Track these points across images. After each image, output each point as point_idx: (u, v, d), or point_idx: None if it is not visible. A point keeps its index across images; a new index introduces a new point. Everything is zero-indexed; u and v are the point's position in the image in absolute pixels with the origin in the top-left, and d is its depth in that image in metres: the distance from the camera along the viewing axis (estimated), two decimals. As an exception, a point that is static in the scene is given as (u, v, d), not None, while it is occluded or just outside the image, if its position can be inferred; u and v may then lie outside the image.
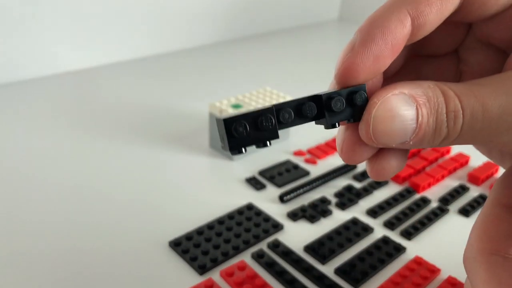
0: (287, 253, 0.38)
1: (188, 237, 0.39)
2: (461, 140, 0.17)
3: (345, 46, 0.18)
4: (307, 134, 0.58)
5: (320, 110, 0.18)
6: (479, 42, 0.20)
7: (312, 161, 0.52)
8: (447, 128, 0.17)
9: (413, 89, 0.17)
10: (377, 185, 0.48)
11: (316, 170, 0.51)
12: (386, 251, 0.38)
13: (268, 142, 0.17)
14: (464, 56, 0.21)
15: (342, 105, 0.18)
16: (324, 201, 0.45)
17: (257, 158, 0.52)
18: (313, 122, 0.19)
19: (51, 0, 0.71)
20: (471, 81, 0.17)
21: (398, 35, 0.17)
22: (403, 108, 0.17)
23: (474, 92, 0.16)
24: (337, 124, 0.18)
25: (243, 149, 0.17)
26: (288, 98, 0.54)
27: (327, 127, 0.19)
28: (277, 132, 0.17)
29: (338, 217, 0.43)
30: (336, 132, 0.59)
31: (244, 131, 0.16)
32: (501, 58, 0.19)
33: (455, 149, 0.55)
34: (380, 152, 0.20)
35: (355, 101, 0.18)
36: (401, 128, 0.17)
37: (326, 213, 0.43)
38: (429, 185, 0.48)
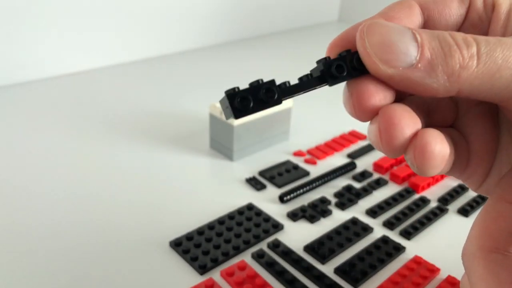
0: (287, 253, 0.38)
1: (189, 237, 0.39)
2: (479, 75, 0.16)
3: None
4: (306, 135, 0.59)
5: (321, 78, 0.19)
6: None
7: (311, 162, 0.52)
8: (459, 52, 0.16)
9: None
10: (377, 185, 0.48)
11: (315, 170, 0.51)
12: (386, 250, 0.39)
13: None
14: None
15: (343, 71, 0.18)
16: (324, 201, 0.45)
17: (257, 159, 0.53)
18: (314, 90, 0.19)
19: (51, 3, 0.71)
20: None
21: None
22: (397, 27, 0.17)
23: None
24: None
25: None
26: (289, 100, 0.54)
27: (331, 85, 0.19)
28: (281, 101, 0.18)
29: (338, 217, 0.43)
30: (337, 133, 0.59)
31: (247, 104, 0.17)
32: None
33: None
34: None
35: (353, 63, 0.18)
36: (400, 39, 0.17)
37: (326, 213, 0.43)
38: (429, 185, 0.48)
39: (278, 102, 0.17)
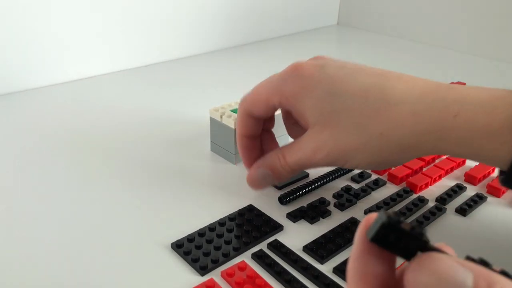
0: (286, 253, 0.38)
1: (190, 238, 0.39)
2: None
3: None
4: (306, 137, 0.59)
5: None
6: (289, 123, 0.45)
7: (311, 164, 0.53)
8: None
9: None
10: (375, 186, 0.49)
11: (315, 172, 0.51)
12: (384, 250, 0.39)
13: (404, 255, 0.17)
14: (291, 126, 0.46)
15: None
16: (323, 202, 0.45)
17: (257, 161, 0.53)
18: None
19: (51, 9, 0.72)
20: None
21: (258, 112, 0.41)
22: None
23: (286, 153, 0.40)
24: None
25: (384, 242, 0.17)
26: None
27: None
28: (409, 259, 0.17)
29: (337, 218, 0.44)
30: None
31: (392, 241, 0.16)
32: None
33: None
34: None
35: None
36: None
37: (325, 213, 0.44)
38: (427, 185, 0.49)
39: (408, 258, 0.17)
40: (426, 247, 0.16)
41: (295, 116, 0.39)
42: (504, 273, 0.16)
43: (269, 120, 0.44)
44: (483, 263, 0.16)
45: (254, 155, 0.43)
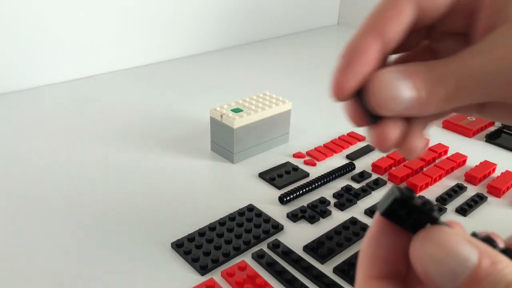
0: (287, 253, 0.38)
1: (190, 238, 0.39)
2: (464, 97, 0.18)
3: (333, 72, 0.21)
4: (306, 137, 0.59)
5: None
6: (442, 34, 0.23)
7: (311, 163, 0.53)
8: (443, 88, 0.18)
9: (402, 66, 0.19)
10: (375, 185, 0.49)
11: (315, 171, 0.51)
12: (384, 250, 0.39)
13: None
14: (435, 47, 0.23)
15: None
16: (323, 201, 0.45)
17: (257, 161, 0.53)
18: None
19: (52, 9, 0.72)
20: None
21: (370, 57, 0.20)
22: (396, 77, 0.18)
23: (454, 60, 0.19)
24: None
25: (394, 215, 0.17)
26: (288, 102, 0.55)
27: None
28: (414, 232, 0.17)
29: (337, 217, 0.44)
30: (339, 131, 0.60)
31: (403, 216, 0.16)
32: (463, 40, 0.22)
33: (452, 150, 0.56)
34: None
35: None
36: (397, 94, 0.18)
37: (325, 213, 0.44)
38: (427, 185, 0.49)
39: (412, 232, 0.17)
40: (435, 223, 0.16)
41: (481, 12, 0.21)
42: (509, 250, 0.16)
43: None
44: (489, 240, 0.16)
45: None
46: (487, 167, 0.51)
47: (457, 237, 0.15)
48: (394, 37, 0.20)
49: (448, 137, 0.60)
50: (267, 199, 0.46)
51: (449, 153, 0.56)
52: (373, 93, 0.19)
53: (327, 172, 0.50)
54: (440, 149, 0.55)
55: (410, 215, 0.16)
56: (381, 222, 0.17)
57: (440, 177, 0.50)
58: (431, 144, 0.57)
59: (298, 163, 0.53)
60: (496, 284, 0.14)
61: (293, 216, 0.43)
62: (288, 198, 0.45)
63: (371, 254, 0.17)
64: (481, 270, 0.15)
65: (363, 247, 0.18)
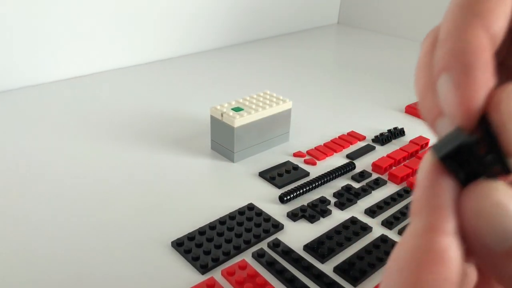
0: (287, 252, 0.38)
1: (190, 237, 0.39)
2: None
3: (445, 90, 0.14)
4: (306, 136, 0.59)
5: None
6: None
7: (311, 162, 0.53)
8: None
9: None
10: (376, 185, 0.49)
11: (315, 170, 0.51)
12: (385, 249, 0.39)
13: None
14: None
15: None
16: (323, 201, 0.45)
17: (257, 160, 0.53)
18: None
19: (52, 8, 0.72)
20: None
21: (488, 54, 0.13)
22: None
23: None
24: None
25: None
26: (288, 101, 0.55)
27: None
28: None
29: (337, 217, 0.44)
30: (335, 134, 0.60)
31: (464, 163, 0.14)
32: None
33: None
34: None
35: None
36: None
37: (325, 213, 0.44)
38: (427, 185, 0.49)
39: (464, 183, 0.14)
40: (494, 177, 0.14)
41: None
42: None
43: None
44: None
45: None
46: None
47: None
48: (500, 31, 0.14)
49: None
50: (267, 198, 0.46)
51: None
52: (501, 121, 0.13)
53: (327, 172, 0.50)
54: (422, 141, 0.55)
55: (470, 163, 0.14)
56: (436, 167, 0.14)
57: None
58: (412, 136, 0.57)
59: (298, 162, 0.53)
60: None
61: (293, 215, 0.43)
62: (288, 197, 0.45)
63: (430, 203, 0.14)
64: None
65: (418, 193, 0.14)
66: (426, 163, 0.14)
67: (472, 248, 0.13)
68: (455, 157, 0.14)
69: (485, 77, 0.13)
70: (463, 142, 0.13)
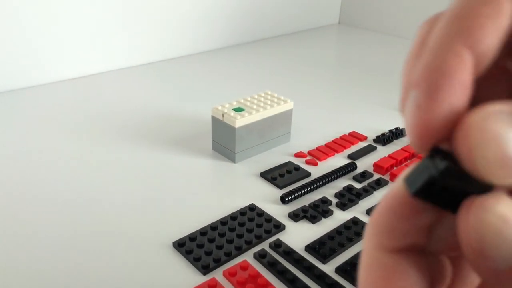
0: (288, 253, 0.38)
1: (192, 237, 0.39)
2: None
3: (409, 107, 0.13)
4: (307, 136, 0.59)
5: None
6: None
7: (313, 163, 0.53)
8: None
9: None
10: (377, 185, 0.49)
11: (316, 171, 0.51)
12: (386, 250, 0.39)
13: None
14: None
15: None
16: (325, 201, 0.45)
17: (259, 160, 0.53)
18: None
19: (55, 8, 0.72)
20: None
21: (464, 75, 0.13)
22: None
23: None
24: None
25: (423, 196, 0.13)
26: (289, 101, 0.55)
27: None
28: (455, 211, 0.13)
29: (339, 217, 0.44)
30: (335, 135, 0.60)
31: (437, 195, 0.13)
32: None
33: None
34: None
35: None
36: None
37: (327, 213, 0.44)
38: (429, 185, 0.49)
39: (454, 211, 0.13)
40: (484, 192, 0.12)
41: None
42: None
43: None
44: None
45: None
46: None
47: None
48: (489, 50, 0.13)
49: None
50: (268, 199, 0.46)
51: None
52: (469, 148, 0.12)
53: (329, 172, 0.50)
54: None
55: (451, 190, 0.13)
56: (403, 195, 0.14)
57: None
58: None
59: (300, 162, 0.53)
60: None
61: (295, 216, 0.43)
62: (290, 197, 0.45)
63: (387, 225, 0.14)
64: None
65: (376, 216, 0.14)
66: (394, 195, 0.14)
67: (473, 265, 0.13)
68: (430, 190, 0.13)
69: (451, 100, 0.12)
70: (431, 175, 0.12)
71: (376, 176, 0.51)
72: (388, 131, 0.60)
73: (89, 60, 0.79)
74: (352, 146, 0.57)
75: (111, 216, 0.43)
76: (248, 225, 0.41)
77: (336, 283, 0.36)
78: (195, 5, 0.90)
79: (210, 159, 0.54)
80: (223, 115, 0.51)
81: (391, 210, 0.14)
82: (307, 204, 0.45)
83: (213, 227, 0.41)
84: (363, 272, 0.14)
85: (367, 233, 0.15)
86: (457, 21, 0.13)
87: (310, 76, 0.83)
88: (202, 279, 0.36)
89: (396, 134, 0.60)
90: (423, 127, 0.13)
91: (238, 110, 0.52)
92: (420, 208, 0.14)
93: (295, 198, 0.46)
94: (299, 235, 0.41)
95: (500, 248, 0.12)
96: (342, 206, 0.45)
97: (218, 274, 0.36)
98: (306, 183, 0.47)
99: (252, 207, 0.44)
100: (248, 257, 0.38)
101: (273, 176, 0.50)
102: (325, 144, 0.57)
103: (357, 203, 0.46)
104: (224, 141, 0.53)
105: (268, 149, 0.55)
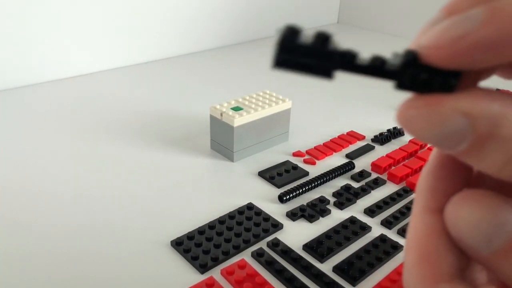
0: (286, 252, 0.38)
1: (190, 236, 0.39)
2: None
3: (450, 21, 0.13)
4: (306, 136, 0.59)
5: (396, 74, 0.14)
6: None
7: (311, 162, 0.53)
8: None
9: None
10: (375, 185, 0.49)
11: (315, 170, 0.51)
12: (384, 249, 0.39)
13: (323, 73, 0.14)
14: None
15: (421, 82, 0.14)
16: (322, 200, 0.45)
17: (257, 159, 0.53)
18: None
19: (54, 7, 0.72)
20: None
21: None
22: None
23: None
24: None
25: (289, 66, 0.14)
26: (288, 101, 0.55)
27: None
28: (331, 76, 0.14)
29: (337, 216, 0.44)
30: (333, 134, 0.60)
31: (295, 59, 0.14)
32: None
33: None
34: None
35: (436, 84, 0.14)
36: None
37: (324, 212, 0.44)
38: (426, 185, 0.49)
39: (328, 76, 0.14)
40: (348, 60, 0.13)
41: None
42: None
43: None
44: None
45: None
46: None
47: (494, 199, 0.14)
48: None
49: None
50: (266, 198, 0.46)
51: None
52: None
53: (327, 171, 0.50)
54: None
55: (309, 56, 0.13)
56: (440, 155, 0.16)
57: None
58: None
59: (298, 161, 0.53)
60: None
61: (293, 215, 0.43)
62: (288, 196, 0.45)
63: (430, 187, 0.16)
64: None
65: (421, 181, 0.16)
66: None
67: (466, 253, 0.14)
68: (286, 58, 0.13)
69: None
70: (278, 41, 0.13)
71: (374, 175, 0.51)
72: (386, 131, 0.60)
73: (86, 59, 0.79)
74: (350, 145, 0.57)
75: (109, 214, 0.43)
76: (246, 224, 0.42)
77: (334, 282, 0.36)
78: (194, 4, 0.90)
79: (208, 158, 0.54)
80: (221, 114, 0.51)
81: (431, 173, 0.16)
82: (305, 203, 0.45)
83: (211, 226, 0.41)
84: (409, 232, 0.16)
85: (415, 198, 0.16)
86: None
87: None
88: (199, 278, 0.36)
89: (394, 133, 0.60)
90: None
91: (236, 109, 0.52)
92: (454, 168, 0.16)
93: (293, 197, 0.46)
94: (296, 234, 0.41)
95: (475, 238, 0.14)
96: (340, 205, 0.45)
97: (216, 273, 0.36)
98: (304, 182, 0.48)
99: (250, 206, 0.44)
100: (246, 256, 0.38)
101: (271, 175, 0.50)
102: (323, 144, 0.57)
103: (355, 202, 0.46)
104: (223, 140, 0.53)
105: (266, 148, 0.55)
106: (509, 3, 0.12)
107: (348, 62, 0.14)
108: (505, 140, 0.13)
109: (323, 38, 0.13)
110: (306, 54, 0.13)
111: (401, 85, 0.14)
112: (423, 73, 0.14)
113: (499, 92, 0.13)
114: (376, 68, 0.14)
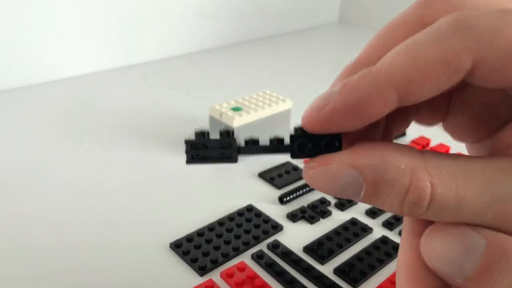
0: (286, 254, 0.38)
1: (189, 238, 0.39)
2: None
3: (321, 95, 0.17)
4: (306, 136, 0.59)
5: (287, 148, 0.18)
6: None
7: (311, 163, 0.53)
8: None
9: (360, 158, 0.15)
10: (376, 185, 0.48)
11: (315, 171, 0.51)
12: (385, 251, 0.39)
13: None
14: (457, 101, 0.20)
15: (309, 149, 0.17)
16: (323, 202, 0.45)
17: (257, 160, 0.53)
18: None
19: (51, 7, 0.71)
20: (458, 161, 0.14)
21: (376, 113, 0.15)
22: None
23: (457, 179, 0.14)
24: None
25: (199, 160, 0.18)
26: (288, 101, 0.55)
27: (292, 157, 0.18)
28: (236, 160, 0.18)
29: (337, 218, 0.44)
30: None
31: (201, 154, 0.17)
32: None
33: (453, 148, 0.56)
34: None
35: (323, 147, 0.17)
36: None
37: (325, 213, 0.43)
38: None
39: (233, 161, 0.18)
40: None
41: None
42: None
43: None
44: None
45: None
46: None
47: (461, 228, 0.14)
48: (423, 97, 0.15)
49: (429, 130, 0.59)
50: (266, 199, 0.46)
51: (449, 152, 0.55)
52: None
53: (327, 172, 0.49)
54: (440, 148, 0.55)
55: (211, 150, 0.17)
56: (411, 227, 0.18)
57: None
58: (413, 137, 0.58)
59: (298, 162, 0.53)
60: (510, 268, 0.14)
61: (293, 216, 0.43)
62: (288, 198, 0.45)
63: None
64: (490, 257, 0.14)
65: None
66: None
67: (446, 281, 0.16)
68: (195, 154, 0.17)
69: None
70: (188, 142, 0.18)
71: (375, 176, 0.51)
72: (387, 131, 0.60)
73: (84, 59, 0.79)
74: (351, 146, 0.57)
75: (107, 216, 0.43)
76: (245, 226, 0.41)
77: (334, 284, 0.35)
78: (193, 4, 0.90)
79: (208, 159, 0.53)
80: (221, 115, 0.51)
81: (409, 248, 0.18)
82: (305, 205, 0.45)
83: (210, 228, 0.41)
84: (399, 255, 0.18)
85: (403, 222, 0.19)
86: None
87: (309, 75, 0.83)
88: (199, 280, 0.36)
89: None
90: (320, 119, 0.17)
91: (236, 109, 0.51)
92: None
93: (294, 198, 0.46)
94: (297, 236, 0.41)
95: (448, 268, 0.15)
96: (341, 206, 0.45)
97: (215, 275, 0.36)
98: (304, 184, 0.47)
99: (250, 208, 0.44)
100: (245, 258, 0.38)
101: (271, 176, 0.49)
102: (324, 144, 0.57)
103: (356, 203, 0.46)
104: (222, 141, 0.52)
105: (266, 149, 0.55)
106: (352, 79, 0.15)
107: (247, 147, 0.17)
108: (393, 183, 0.14)
109: (226, 133, 0.17)
110: (212, 148, 0.17)
111: (293, 155, 0.17)
112: (309, 141, 0.17)
113: (383, 143, 0.15)
114: (273, 147, 0.18)
